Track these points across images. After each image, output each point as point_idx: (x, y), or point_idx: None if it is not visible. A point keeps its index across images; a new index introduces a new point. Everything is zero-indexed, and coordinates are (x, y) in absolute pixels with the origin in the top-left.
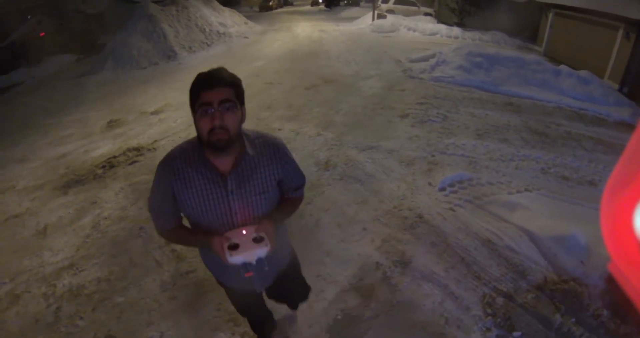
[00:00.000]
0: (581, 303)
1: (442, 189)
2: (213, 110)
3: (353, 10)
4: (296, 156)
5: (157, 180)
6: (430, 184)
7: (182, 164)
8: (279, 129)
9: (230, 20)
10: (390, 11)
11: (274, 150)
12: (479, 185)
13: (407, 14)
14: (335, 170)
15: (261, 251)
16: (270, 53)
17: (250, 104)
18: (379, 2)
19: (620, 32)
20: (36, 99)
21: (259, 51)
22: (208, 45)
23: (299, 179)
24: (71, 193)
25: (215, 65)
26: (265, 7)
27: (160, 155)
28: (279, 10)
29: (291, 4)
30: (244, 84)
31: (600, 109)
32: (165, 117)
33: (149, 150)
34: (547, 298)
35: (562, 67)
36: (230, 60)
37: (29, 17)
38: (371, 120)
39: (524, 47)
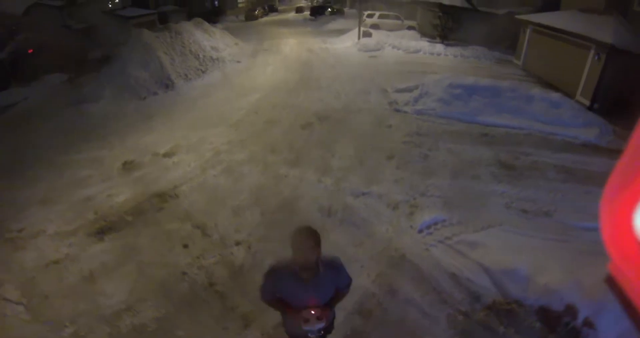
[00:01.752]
0: (520, 318)
1: (421, 231)
2: (306, 251)
3: (338, 23)
4: (302, 203)
5: (267, 279)
6: (411, 227)
7: (283, 274)
8: (286, 176)
9: (222, 42)
10: (375, 25)
11: (335, 271)
12: (450, 225)
13: (391, 28)
14: (335, 216)
15: (320, 325)
16: (265, 82)
17: (255, 146)
18: (365, 17)
19: (592, 53)
20: (41, 129)
21: (253, 79)
22: (203, 72)
23: (348, 282)
24: (107, 240)
25: (214, 98)
26: (251, 17)
27: (182, 201)
28: (265, 19)
29: (276, 11)
30: (247, 123)
31: (569, 132)
32: (179, 161)
33: (171, 196)
34: (495, 315)
35: (535, 92)
36: (229, 93)
37: (16, 34)
38: (362, 164)
39: (503, 59)
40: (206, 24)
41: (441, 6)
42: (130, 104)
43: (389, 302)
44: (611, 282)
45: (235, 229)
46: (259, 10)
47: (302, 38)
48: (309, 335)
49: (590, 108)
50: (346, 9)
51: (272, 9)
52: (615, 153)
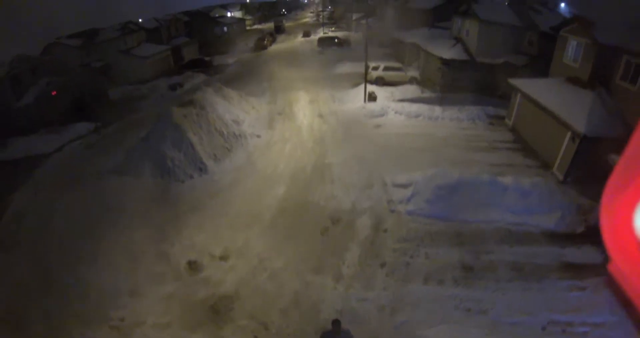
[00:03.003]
0: None
1: (396, 328)
2: (337, 328)
3: (346, 65)
4: (324, 306)
5: (321, 335)
6: (389, 324)
7: (328, 334)
8: (312, 283)
9: (241, 109)
10: (380, 78)
11: (348, 334)
12: (414, 323)
13: (395, 80)
14: (346, 317)
15: None
16: (285, 168)
17: (288, 255)
18: (370, 70)
19: (569, 134)
20: (91, 203)
21: (275, 164)
22: (229, 150)
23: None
24: (200, 332)
25: (245, 187)
26: (260, 46)
27: (245, 303)
28: (273, 48)
29: (284, 31)
30: (278, 226)
31: (532, 220)
32: (234, 266)
33: (237, 299)
34: None
35: (509, 182)
36: (257, 181)
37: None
38: (363, 271)
39: (496, 117)
40: (225, 90)
41: (442, 59)
42: (172, 188)
43: None
44: (611, 282)
45: (286, 325)
46: (267, 40)
47: (313, 92)
48: None
49: (564, 181)
50: (352, 34)
51: (279, 30)
52: (567, 239)
